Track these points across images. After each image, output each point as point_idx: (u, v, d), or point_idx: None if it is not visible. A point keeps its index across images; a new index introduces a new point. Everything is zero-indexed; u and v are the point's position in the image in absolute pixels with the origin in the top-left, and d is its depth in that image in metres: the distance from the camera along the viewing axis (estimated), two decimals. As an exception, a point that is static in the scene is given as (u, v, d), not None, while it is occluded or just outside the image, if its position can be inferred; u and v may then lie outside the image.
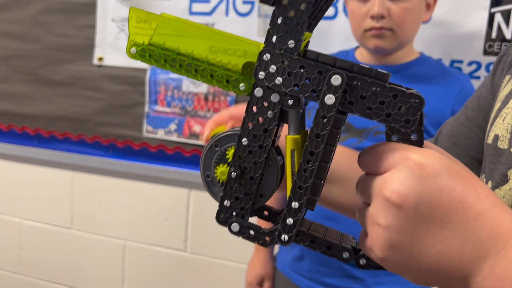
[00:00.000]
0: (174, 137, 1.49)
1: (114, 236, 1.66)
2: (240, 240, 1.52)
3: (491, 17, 1.15)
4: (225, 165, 0.37)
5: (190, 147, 1.48)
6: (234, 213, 0.37)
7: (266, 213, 0.42)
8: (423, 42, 1.18)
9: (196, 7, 1.42)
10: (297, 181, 0.34)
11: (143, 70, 1.50)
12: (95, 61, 1.55)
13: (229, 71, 0.35)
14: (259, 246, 1.24)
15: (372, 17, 0.95)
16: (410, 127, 0.32)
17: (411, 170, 0.30)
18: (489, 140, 0.49)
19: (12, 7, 1.62)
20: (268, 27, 0.33)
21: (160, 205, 1.59)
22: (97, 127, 1.58)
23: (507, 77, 0.52)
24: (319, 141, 0.33)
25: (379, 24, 0.94)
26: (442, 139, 0.63)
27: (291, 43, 0.33)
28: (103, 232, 1.67)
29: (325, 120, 0.32)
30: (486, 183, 0.47)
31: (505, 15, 1.14)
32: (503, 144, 0.45)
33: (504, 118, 0.47)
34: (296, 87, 0.33)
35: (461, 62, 1.19)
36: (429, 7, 1.02)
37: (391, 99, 0.32)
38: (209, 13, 1.41)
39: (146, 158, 1.54)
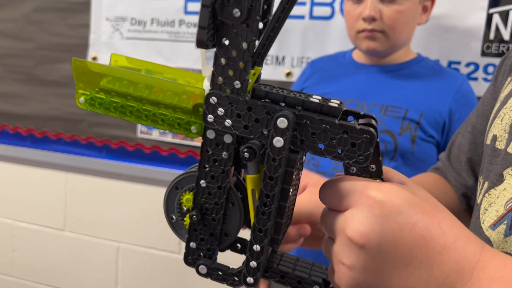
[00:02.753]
0: (168, 138, 1.48)
1: (107, 238, 1.64)
2: (235, 242, 1.51)
3: (489, 18, 1.15)
4: (190, 192, 0.37)
5: (185, 148, 1.47)
6: (201, 254, 0.37)
7: (238, 245, 0.42)
8: (421, 43, 1.18)
9: (192, 6, 1.41)
10: (256, 224, 0.34)
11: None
12: (89, 61, 1.53)
13: (180, 113, 0.35)
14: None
15: (364, 19, 0.95)
16: (363, 163, 0.31)
17: (371, 209, 0.30)
18: (488, 141, 0.49)
19: (6, 5, 1.60)
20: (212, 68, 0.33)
21: (154, 207, 1.57)
22: (91, 128, 1.56)
23: (509, 79, 0.52)
24: (273, 183, 0.33)
25: (371, 26, 0.95)
26: (454, 150, 0.64)
27: (237, 84, 0.32)
28: (97, 234, 1.66)
29: (276, 163, 0.32)
30: (483, 183, 0.46)
31: (503, 16, 1.13)
32: (500, 144, 0.45)
33: (502, 118, 0.46)
34: (246, 129, 0.33)
35: (458, 63, 1.18)
36: (426, 9, 1.02)
37: (342, 136, 0.31)
38: (204, 13, 1.40)
39: (140, 159, 1.53)
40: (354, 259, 0.30)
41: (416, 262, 0.29)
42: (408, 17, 0.96)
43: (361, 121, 0.32)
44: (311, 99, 0.32)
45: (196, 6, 1.41)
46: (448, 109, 0.96)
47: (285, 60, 1.34)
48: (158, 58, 1.45)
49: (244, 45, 0.31)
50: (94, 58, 1.53)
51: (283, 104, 0.32)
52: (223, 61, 0.32)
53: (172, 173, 1.49)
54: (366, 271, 0.30)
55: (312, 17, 1.30)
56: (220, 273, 0.37)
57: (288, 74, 1.34)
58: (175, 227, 0.38)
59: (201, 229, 0.36)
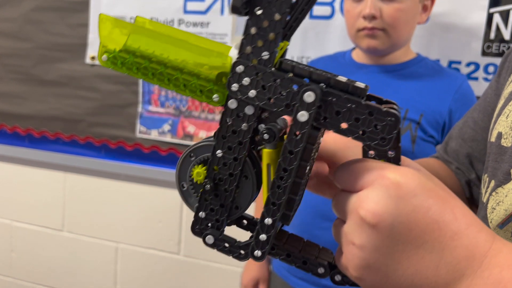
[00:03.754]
0: (167, 138, 1.47)
1: (106, 239, 1.64)
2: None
3: (490, 18, 1.14)
4: (201, 166, 0.36)
5: (184, 148, 1.45)
6: (209, 225, 0.37)
7: (245, 222, 0.41)
8: (421, 43, 1.17)
9: (191, 5, 1.41)
10: (270, 198, 0.33)
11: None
12: (88, 60, 1.53)
13: (203, 80, 0.34)
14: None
15: (364, 17, 0.95)
16: (385, 146, 0.31)
17: (387, 189, 0.29)
18: (492, 138, 0.48)
19: (4, 4, 1.60)
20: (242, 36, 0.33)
21: (153, 207, 1.57)
22: (90, 128, 1.55)
23: None
24: (293, 158, 0.32)
25: (371, 24, 0.95)
26: (452, 143, 0.63)
27: (265, 55, 0.32)
28: (95, 235, 1.65)
29: (298, 137, 0.32)
30: (489, 182, 0.46)
31: (504, 15, 1.13)
32: (506, 142, 0.44)
33: (508, 115, 0.46)
34: (269, 101, 0.32)
35: (459, 63, 1.18)
36: (426, 8, 1.02)
37: (367, 116, 0.31)
38: (203, 12, 1.40)
39: (139, 159, 1.52)
40: (365, 239, 0.30)
41: (427, 246, 0.29)
42: (409, 15, 0.96)
43: (384, 106, 0.32)
44: (338, 78, 0.32)
45: (195, 6, 1.40)
46: (448, 109, 0.96)
47: (285, 60, 1.33)
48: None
49: (277, 16, 0.31)
50: (93, 58, 1.52)
51: (308, 80, 0.32)
52: (253, 30, 0.32)
53: (171, 173, 1.48)
54: (376, 252, 0.30)
55: (312, 16, 1.29)
56: (226, 245, 0.36)
57: (288, 73, 1.33)
58: (185, 195, 0.38)
59: (212, 199, 0.36)
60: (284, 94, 0.32)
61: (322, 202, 0.95)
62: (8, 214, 1.75)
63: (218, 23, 1.38)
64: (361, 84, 0.32)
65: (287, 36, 0.33)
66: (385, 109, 0.31)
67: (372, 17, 0.94)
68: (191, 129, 1.45)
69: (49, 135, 1.61)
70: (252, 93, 0.32)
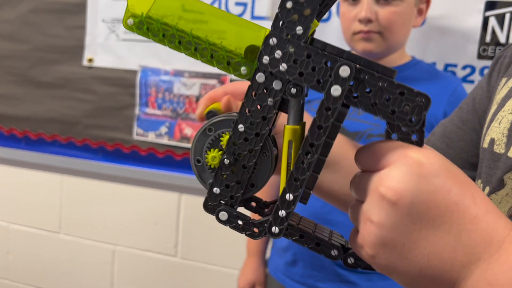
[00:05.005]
0: (165, 140, 1.47)
1: (103, 241, 1.63)
2: (231, 245, 1.50)
3: (485, 21, 1.15)
4: (217, 150, 0.35)
5: (181, 151, 1.46)
6: (223, 202, 0.36)
7: (253, 204, 0.41)
8: (417, 46, 1.18)
9: (188, 8, 1.41)
10: (294, 173, 0.33)
11: (134, 72, 1.47)
12: (85, 62, 1.53)
13: (231, 53, 0.34)
14: (251, 251, 1.23)
15: (360, 21, 0.95)
16: (413, 126, 0.31)
17: (409, 168, 0.29)
18: (485, 144, 0.48)
19: (1, 6, 1.60)
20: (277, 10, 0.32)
21: (150, 210, 1.56)
22: (87, 130, 1.55)
23: (504, 80, 0.51)
24: (321, 132, 0.32)
25: (367, 27, 0.95)
26: (435, 140, 0.62)
27: (299, 30, 0.32)
28: (92, 237, 1.65)
29: (329, 112, 0.31)
30: (483, 188, 0.46)
31: (500, 19, 1.14)
32: (499, 148, 0.44)
33: (500, 121, 0.46)
34: (300, 76, 0.32)
35: (455, 66, 1.18)
36: (421, 12, 1.02)
37: (398, 96, 0.31)
38: (201, 15, 1.40)
39: (136, 161, 1.52)
40: (384, 216, 0.29)
41: (446, 227, 0.29)
42: (404, 18, 0.96)
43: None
44: (368, 59, 0.32)
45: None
46: (442, 113, 0.96)
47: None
48: (155, 60, 1.45)
49: None
50: (90, 60, 1.52)
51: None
52: (289, 4, 0.31)
53: (168, 176, 1.48)
54: (394, 229, 0.29)
55: (308, 19, 1.30)
56: (240, 222, 0.35)
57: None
58: (199, 171, 0.37)
59: (229, 175, 0.35)
60: (316, 69, 0.32)
61: (320, 206, 0.95)
62: (5, 216, 1.75)
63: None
64: (390, 67, 0.32)
65: (322, 14, 0.33)
66: (416, 90, 0.31)
67: (368, 21, 0.94)
68: (188, 131, 1.45)
69: (46, 137, 1.61)
70: (283, 66, 0.32)
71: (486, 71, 1.16)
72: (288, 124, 0.35)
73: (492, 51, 1.15)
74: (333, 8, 1.27)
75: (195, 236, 1.53)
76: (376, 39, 0.96)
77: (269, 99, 0.33)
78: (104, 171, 1.56)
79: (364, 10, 0.94)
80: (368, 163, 0.32)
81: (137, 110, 1.49)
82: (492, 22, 1.14)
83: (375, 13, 0.94)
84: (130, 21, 0.34)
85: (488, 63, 1.16)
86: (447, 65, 1.19)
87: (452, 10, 1.16)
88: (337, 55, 0.32)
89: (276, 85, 0.33)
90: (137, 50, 1.46)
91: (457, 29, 1.17)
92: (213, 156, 0.35)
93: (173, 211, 1.54)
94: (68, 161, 1.59)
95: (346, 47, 1.11)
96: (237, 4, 1.36)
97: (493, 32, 1.15)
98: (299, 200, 0.34)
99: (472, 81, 1.17)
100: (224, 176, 0.35)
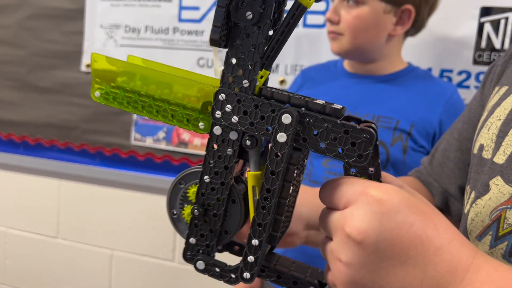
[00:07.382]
0: (162, 145, 1.47)
1: (101, 246, 1.63)
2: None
3: (481, 27, 1.16)
4: (189, 206, 0.37)
5: (179, 156, 1.46)
6: (200, 251, 0.38)
7: (237, 248, 0.42)
8: (413, 51, 1.18)
9: (186, 14, 1.41)
10: (256, 219, 0.34)
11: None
12: (83, 68, 1.53)
13: (189, 110, 0.36)
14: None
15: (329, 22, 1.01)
16: (362, 162, 0.32)
17: (370, 206, 0.30)
18: (475, 150, 0.49)
19: (-1, 12, 1.60)
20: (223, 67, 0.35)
21: (148, 214, 1.57)
22: (85, 135, 1.55)
23: (496, 88, 0.52)
24: (275, 178, 0.34)
25: (331, 28, 1.00)
26: (437, 155, 0.63)
27: (246, 83, 0.34)
28: (90, 242, 1.65)
29: (278, 158, 0.33)
30: (470, 193, 0.47)
31: (495, 24, 1.14)
32: (487, 154, 0.45)
33: (489, 127, 0.46)
34: (251, 125, 0.34)
35: (451, 71, 1.19)
36: (403, 22, 0.98)
37: (343, 135, 0.32)
38: (198, 20, 1.40)
39: (134, 166, 1.52)
40: (351, 255, 0.30)
41: (411, 261, 0.30)
42: (368, 23, 0.96)
43: (361, 125, 0.33)
44: (315, 101, 0.34)
45: (190, 14, 1.41)
46: (438, 120, 0.96)
47: (279, 68, 1.34)
48: (152, 66, 1.45)
49: (254, 47, 0.33)
50: (88, 66, 1.52)
51: (288, 105, 0.34)
52: (233, 60, 0.34)
53: (166, 181, 1.48)
54: (362, 268, 0.30)
55: (305, 25, 1.30)
56: (217, 269, 0.37)
57: (282, 81, 1.34)
58: (176, 222, 0.39)
59: (202, 225, 0.37)
60: (264, 118, 0.34)
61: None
62: (3, 221, 1.75)
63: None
64: (338, 106, 0.33)
65: (265, 65, 0.34)
66: (360, 127, 0.32)
67: (331, 21, 0.99)
68: (185, 136, 1.45)
69: (44, 142, 1.61)
70: (235, 118, 0.34)
71: (481, 77, 1.17)
72: (249, 170, 0.37)
73: (488, 56, 1.16)
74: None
75: (192, 241, 1.53)
76: (340, 40, 0.99)
77: (228, 149, 0.35)
78: (102, 176, 1.56)
79: (329, 11, 0.99)
80: (331, 202, 0.33)
81: (134, 115, 1.49)
82: (487, 28, 1.15)
83: (339, 15, 0.98)
84: (97, 93, 0.38)
85: (484, 68, 1.16)
86: (443, 71, 1.20)
87: (447, 16, 1.17)
88: (283, 102, 0.34)
89: (233, 135, 0.35)
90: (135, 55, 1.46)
91: (453, 35, 1.18)
92: (194, 191, 0.38)
93: (171, 216, 1.54)
94: (66, 166, 1.59)
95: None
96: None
97: (488, 37, 1.15)
98: (268, 243, 0.35)
99: (467, 87, 1.18)
100: (198, 226, 0.37)
